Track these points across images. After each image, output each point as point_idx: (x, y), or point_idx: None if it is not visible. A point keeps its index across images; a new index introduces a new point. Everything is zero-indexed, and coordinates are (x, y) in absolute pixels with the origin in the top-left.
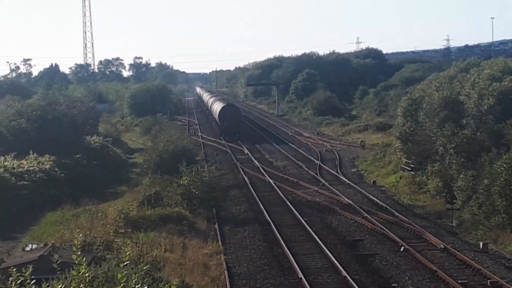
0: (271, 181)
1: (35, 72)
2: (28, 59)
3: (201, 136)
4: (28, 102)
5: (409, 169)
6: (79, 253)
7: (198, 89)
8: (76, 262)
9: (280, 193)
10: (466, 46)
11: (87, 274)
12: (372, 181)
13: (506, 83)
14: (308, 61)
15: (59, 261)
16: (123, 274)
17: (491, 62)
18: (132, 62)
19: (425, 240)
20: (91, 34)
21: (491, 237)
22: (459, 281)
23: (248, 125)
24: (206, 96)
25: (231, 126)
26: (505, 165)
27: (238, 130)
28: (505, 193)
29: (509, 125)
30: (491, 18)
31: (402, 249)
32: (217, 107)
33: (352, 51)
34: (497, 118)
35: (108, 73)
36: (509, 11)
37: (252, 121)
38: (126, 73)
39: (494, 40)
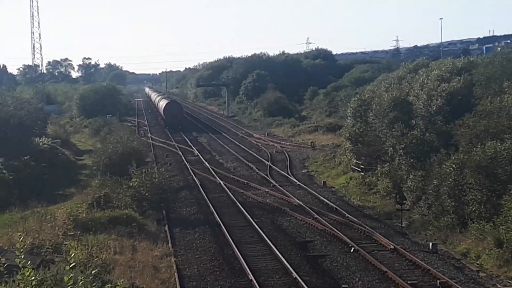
0: (221, 182)
1: None
2: None
3: (151, 137)
4: None
5: (359, 170)
6: (22, 256)
7: (147, 89)
8: (20, 265)
9: (231, 194)
10: (415, 46)
11: (32, 278)
12: (322, 182)
13: (454, 83)
14: (258, 61)
15: (6, 265)
16: (70, 277)
17: (439, 62)
18: (81, 63)
19: (375, 240)
20: (39, 34)
21: (441, 238)
22: (409, 282)
23: (196, 124)
24: (153, 96)
25: (174, 120)
26: (453, 165)
27: (180, 123)
28: (453, 193)
29: (457, 126)
30: (440, 19)
31: (352, 250)
32: (162, 103)
33: (302, 51)
34: (446, 119)
35: (56, 74)
36: (457, 12)
37: (202, 122)
38: (75, 74)
39: (443, 40)
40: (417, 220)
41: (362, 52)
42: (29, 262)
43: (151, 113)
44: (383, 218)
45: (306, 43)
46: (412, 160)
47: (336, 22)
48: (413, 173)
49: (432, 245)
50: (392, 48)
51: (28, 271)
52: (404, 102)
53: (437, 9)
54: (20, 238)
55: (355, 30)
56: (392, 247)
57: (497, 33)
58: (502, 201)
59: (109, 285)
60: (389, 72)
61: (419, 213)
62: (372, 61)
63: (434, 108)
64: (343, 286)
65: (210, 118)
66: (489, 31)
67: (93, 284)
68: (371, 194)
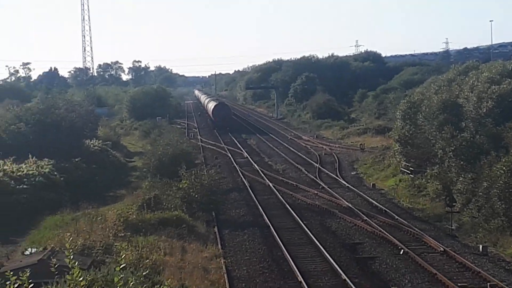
0: (270, 184)
1: (34, 76)
2: (27, 63)
3: (201, 139)
4: (27, 106)
5: (409, 172)
6: (72, 257)
7: (196, 92)
8: (70, 265)
9: (280, 196)
10: (465, 49)
11: (81, 278)
12: (371, 184)
13: (504, 85)
14: (307, 64)
15: (57, 265)
16: (120, 277)
17: (489, 65)
18: (131, 65)
19: (425, 243)
20: (90, 38)
21: (491, 240)
22: (458, 284)
23: (245, 127)
24: (202, 98)
25: (223, 121)
26: (504, 167)
27: (228, 124)
28: (504, 195)
29: (508, 128)
30: (490, 21)
31: (401, 252)
32: (211, 105)
33: (351, 54)
34: (496, 121)
35: (107, 76)
36: (508, 14)
37: (251, 124)
38: (125, 77)
39: (493, 43)
40: (467, 222)
41: (411, 55)
42: (80, 262)
43: (200, 115)
44: (433, 221)
45: (355, 46)
46: (462, 162)
47: (385, 25)
48: (463, 176)
49: (482, 248)
50: (442, 50)
51: (77, 271)
52: (454, 105)
53: (487, 11)
54: (69, 239)
55: (405, 32)
56: (442, 249)
57: None
58: None
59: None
60: (439, 75)
61: (469, 216)
62: (422, 63)
63: (484, 110)
64: None
65: (259, 120)
66: None
67: (143, 285)
68: (421, 196)
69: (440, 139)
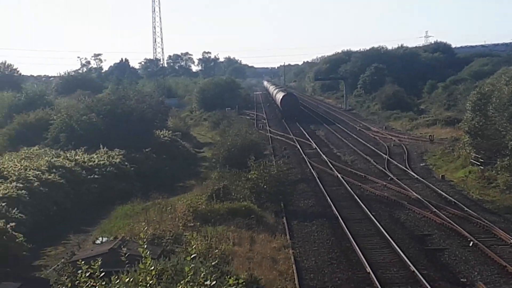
0: (339, 175)
1: (105, 67)
2: (99, 54)
3: (269, 130)
4: (98, 96)
5: (478, 163)
6: (145, 246)
7: (265, 83)
8: (143, 255)
9: (348, 187)
10: None
11: (152, 268)
12: (440, 175)
13: None
14: (376, 55)
15: (127, 254)
16: (190, 267)
17: None
18: (201, 57)
19: (495, 235)
20: (161, 29)
21: None
22: None
23: (314, 118)
24: (271, 89)
25: (291, 111)
26: None
27: (295, 114)
28: None
29: None
30: None
31: (471, 244)
32: (279, 95)
33: (421, 45)
34: None
35: (177, 67)
36: None
37: (319, 115)
38: (195, 68)
39: None
40: None
41: (482, 45)
42: (150, 252)
43: (269, 106)
44: (503, 213)
45: (425, 36)
46: None
47: (455, 15)
48: None
49: None
50: None
51: (149, 261)
52: None
53: None
54: (144, 229)
55: (475, 23)
56: None
57: None
58: None
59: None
60: (510, 65)
61: None
62: (492, 54)
63: None
64: (461, 280)
65: (327, 111)
66: None
67: (213, 275)
68: (491, 188)
69: (511, 130)
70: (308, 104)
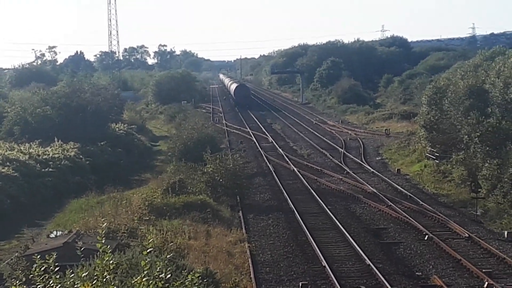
0: (295, 169)
1: (60, 59)
2: (53, 47)
3: (226, 124)
4: (53, 89)
5: (434, 157)
6: (103, 241)
7: (221, 76)
8: (101, 250)
9: (304, 181)
10: (492, 34)
11: (111, 262)
12: (396, 169)
13: None
14: (333, 49)
15: (83, 248)
16: (147, 261)
17: None
18: (156, 49)
19: (450, 228)
20: (116, 21)
21: None
22: (483, 270)
23: (270, 111)
24: (226, 81)
25: (243, 100)
26: None
27: (247, 102)
28: None
29: None
30: None
31: (426, 238)
32: (233, 86)
33: (377, 39)
34: None
35: (133, 60)
36: None
37: (275, 109)
38: (150, 61)
39: None
40: (492, 208)
41: (437, 40)
42: (108, 247)
43: (225, 99)
44: (458, 206)
45: (381, 31)
46: (487, 148)
47: (411, 9)
48: (488, 161)
49: (507, 234)
50: (468, 35)
51: (108, 256)
52: (480, 90)
53: None
54: (103, 224)
55: (431, 17)
56: (466, 235)
57: None
58: None
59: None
60: (465, 60)
61: (494, 202)
62: (448, 48)
63: (511, 96)
64: (417, 273)
65: (284, 105)
66: None
67: (168, 269)
68: (446, 182)
69: (466, 124)
70: (264, 97)
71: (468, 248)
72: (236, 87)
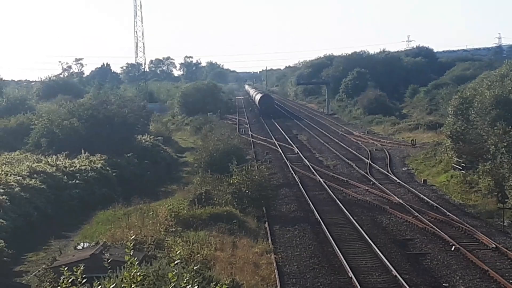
0: (321, 180)
1: (86, 71)
2: (80, 59)
3: (251, 135)
4: (79, 101)
5: (460, 168)
6: (131, 253)
7: (246, 87)
8: (128, 262)
9: (330, 192)
10: None
11: (138, 274)
12: (422, 180)
13: None
14: (358, 59)
15: (110, 260)
16: (174, 273)
17: None
18: (182, 61)
19: (476, 239)
20: (142, 33)
21: None
22: (511, 281)
23: (296, 122)
24: (252, 92)
25: (267, 109)
26: None
27: (271, 112)
28: None
29: None
30: None
31: (453, 249)
32: (257, 97)
33: (403, 49)
34: None
35: (159, 72)
36: None
37: (301, 120)
38: (176, 72)
39: None
40: None
41: (463, 50)
42: (135, 258)
43: (251, 111)
44: (485, 217)
45: (407, 41)
46: None
47: (437, 20)
48: None
49: None
50: (495, 45)
51: (135, 268)
52: (506, 100)
53: None
54: (131, 236)
55: (457, 27)
56: (493, 245)
57: None
58: None
59: (209, 281)
60: (491, 70)
61: None
62: (474, 58)
63: None
64: (443, 284)
65: (310, 116)
66: None
67: (195, 280)
68: (472, 192)
69: (493, 134)
70: (290, 108)
71: (495, 258)
72: (261, 97)
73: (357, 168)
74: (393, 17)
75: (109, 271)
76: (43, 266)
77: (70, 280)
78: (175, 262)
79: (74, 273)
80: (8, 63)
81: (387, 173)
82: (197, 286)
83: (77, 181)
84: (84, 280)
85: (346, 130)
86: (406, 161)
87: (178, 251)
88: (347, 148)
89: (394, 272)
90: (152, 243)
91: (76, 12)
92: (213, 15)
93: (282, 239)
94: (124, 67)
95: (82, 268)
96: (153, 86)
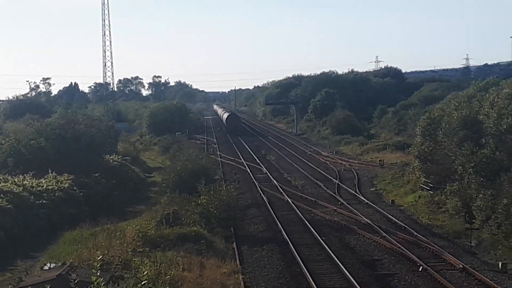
0: (289, 200)
1: (54, 91)
2: (48, 78)
3: (220, 155)
4: (47, 121)
5: (428, 188)
6: (98, 273)
7: (215, 106)
8: (95, 283)
9: (299, 212)
10: (486, 65)
11: None
12: (390, 200)
13: None
14: (327, 80)
15: (76, 280)
16: None
17: (510, 81)
18: (151, 81)
19: (444, 260)
20: (111, 53)
21: (511, 257)
22: None
23: (264, 142)
24: (220, 111)
25: (234, 127)
26: None
27: (238, 130)
28: None
29: None
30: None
31: (420, 269)
32: (225, 116)
33: (371, 70)
34: None
35: (127, 92)
36: None
37: (270, 140)
38: (145, 92)
39: None
40: (487, 239)
41: (431, 71)
42: (102, 279)
43: (219, 130)
44: (452, 237)
45: (375, 62)
46: (481, 179)
47: (405, 41)
48: (482, 192)
49: (501, 265)
50: (462, 66)
51: None
52: (474, 121)
53: (508, 28)
54: (98, 257)
55: (425, 48)
56: (461, 266)
57: None
58: None
59: None
60: (459, 91)
61: (488, 232)
62: (442, 79)
63: (505, 126)
64: None
65: (278, 136)
66: None
67: None
68: (440, 213)
69: (460, 155)
70: (259, 128)
71: (463, 279)
72: (228, 116)
73: (325, 188)
74: (361, 38)
75: None
76: (9, 287)
77: None
78: (143, 283)
79: None
80: None
81: (355, 193)
82: None
83: (44, 201)
84: None
85: (315, 150)
86: (374, 181)
87: (146, 272)
88: (316, 168)
89: None
90: (119, 263)
91: (44, 32)
92: (182, 35)
93: (250, 259)
94: (92, 87)
95: None
96: (122, 106)
